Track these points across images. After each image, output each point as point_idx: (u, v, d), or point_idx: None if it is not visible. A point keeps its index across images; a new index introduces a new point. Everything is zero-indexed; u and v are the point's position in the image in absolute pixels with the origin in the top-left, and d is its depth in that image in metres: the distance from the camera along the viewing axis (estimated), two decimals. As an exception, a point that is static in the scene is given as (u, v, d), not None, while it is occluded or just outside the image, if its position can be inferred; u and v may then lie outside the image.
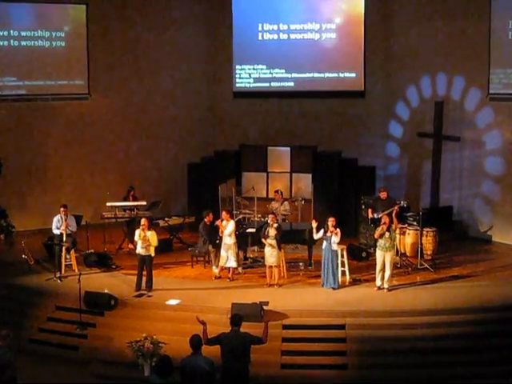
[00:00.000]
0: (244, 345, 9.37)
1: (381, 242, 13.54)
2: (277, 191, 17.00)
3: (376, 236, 13.71)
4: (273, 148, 18.72)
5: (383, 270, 13.55)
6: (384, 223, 13.53)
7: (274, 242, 13.83)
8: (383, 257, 13.53)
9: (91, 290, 13.42)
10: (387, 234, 13.47)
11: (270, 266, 13.99)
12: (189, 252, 15.58)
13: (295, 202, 17.21)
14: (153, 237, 13.72)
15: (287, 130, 19.47)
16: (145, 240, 13.62)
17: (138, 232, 13.75)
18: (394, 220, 13.87)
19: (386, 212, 14.53)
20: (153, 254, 13.78)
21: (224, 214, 14.44)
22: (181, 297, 13.38)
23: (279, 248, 13.94)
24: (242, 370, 9.32)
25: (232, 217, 14.85)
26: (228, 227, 14.27)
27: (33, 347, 12.62)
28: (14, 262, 15.64)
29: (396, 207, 14.64)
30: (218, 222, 14.39)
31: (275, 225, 13.89)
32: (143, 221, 13.82)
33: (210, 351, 9.35)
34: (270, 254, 13.89)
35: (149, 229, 13.74)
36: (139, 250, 13.75)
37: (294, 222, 16.51)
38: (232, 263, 14.34)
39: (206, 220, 14.93)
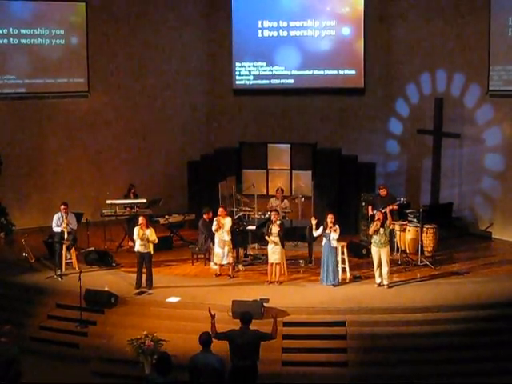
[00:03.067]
0: (253, 342, 9.33)
1: (375, 239, 13.56)
2: (278, 189, 17.02)
3: (370, 232, 13.74)
4: (273, 145, 18.66)
5: (380, 266, 13.57)
6: (378, 219, 13.55)
7: (277, 239, 13.84)
8: (378, 253, 13.55)
9: (92, 287, 13.43)
10: (381, 230, 13.48)
11: (272, 264, 14.00)
12: (189, 249, 15.58)
13: (295, 200, 17.20)
14: (151, 234, 13.75)
15: (287, 127, 19.43)
16: (144, 238, 13.64)
17: (136, 230, 13.77)
18: (388, 216, 13.89)
19: (386, 209, 14.53)
20: (152, 252, 13.81)
21: (221, 211, 14.45)
22: (181, 294, 13.39)
23: (282, 245, 13.95)
24: (250, 367, 9.29)
25: (228, 213, 14.87)
26: (226, 223, 14.29)
27: (33, 345, 12.57)
28: (15, 260, 15.66)
29: (393, 205, 14.61)
30: (217, 218, 14.39)
31: (278, 221, 13.90)
32: (141, 219, 13.82)
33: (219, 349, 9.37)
34: (273, 251, 13.89)
35: (147, 226, 13.75)
36: (138, 247, 13.77)
37: (294, 220, 16.51)
38: (230, 259, 14.36)
39: (205, 217, 14.95)
